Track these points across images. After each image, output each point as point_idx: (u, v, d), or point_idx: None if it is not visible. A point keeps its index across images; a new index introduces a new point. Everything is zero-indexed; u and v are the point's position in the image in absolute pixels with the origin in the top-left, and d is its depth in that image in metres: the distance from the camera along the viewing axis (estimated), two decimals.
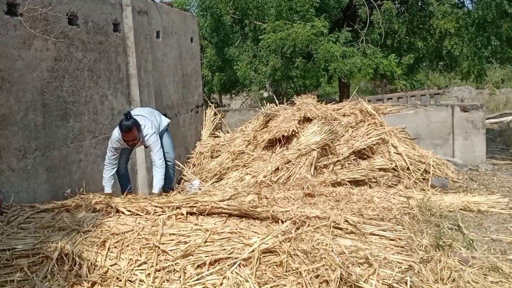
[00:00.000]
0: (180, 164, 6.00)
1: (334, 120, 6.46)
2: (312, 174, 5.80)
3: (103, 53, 5.13)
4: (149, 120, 4.84)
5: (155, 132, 4.76)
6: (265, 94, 14.74)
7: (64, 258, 2.86)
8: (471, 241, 4.19)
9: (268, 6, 9.80)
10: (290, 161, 5.95)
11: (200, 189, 5.87)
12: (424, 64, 11.84)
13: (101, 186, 4.85)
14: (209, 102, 8.52)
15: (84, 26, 4.79)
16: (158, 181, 4.66)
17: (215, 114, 8.18)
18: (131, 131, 4.52)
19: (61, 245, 2.90)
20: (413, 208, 4.82)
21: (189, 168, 6.56)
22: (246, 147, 6.34)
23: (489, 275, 3.49)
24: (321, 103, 7.30)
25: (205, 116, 8.09)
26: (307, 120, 6.49)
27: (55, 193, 4.18)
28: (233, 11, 10.73)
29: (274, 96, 8.05)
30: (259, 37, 9.85)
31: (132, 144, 4.69)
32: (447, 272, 3.23)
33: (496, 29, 8.98)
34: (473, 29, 9.40)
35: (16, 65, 3.82)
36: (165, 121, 5.25)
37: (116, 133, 4.63)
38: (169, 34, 6.96)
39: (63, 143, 4.40)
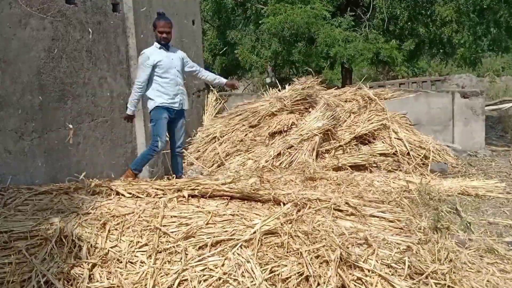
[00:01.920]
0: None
1: (336, 106, 6.43)
2: (314, 159, 5.79)
3: (102, 34, 5.06)
4: None
5: None
6: (268, 80, 14.66)
7: (63, 240, 2.84)
8: (468, 224, 4.23)
9: None
10: (292, 146, 5.94)
11: (202, 174, 5.86)
12: (425, 50, 11.77)
13: (100, 169, 4.83)
14: (211, 86, 8.45)
15: (82, 5, 4.71)
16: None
17: (217, 99, 8.12)
18: (170, 22, 4.99)
19: (60, 227, 2.89)
20: (412, 192, 4.83)
21: (190, 153, 6.53)
22: (245, 135, 6.32)
23: (485, 257, 3.52)
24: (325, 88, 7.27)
25: (207, 101, 8.04)
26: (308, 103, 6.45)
27: (53, 175, 4.15)
28: None
29: (277, 82, 7.99)
30: (260, 21, 9.77)
31: (167, 37, 4.93)
32: (444, 253, 3.24)
33: (493, 15, 8.91)
34: (474, 17, 9.33)
35: (11, 45, 3.75)
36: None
37: (148, 48, 5.01)
38: (170, 15, 6.84)
39: (61, 125, 4.35)
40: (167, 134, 5.02)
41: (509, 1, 9.31)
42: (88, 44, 4.82)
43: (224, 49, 11.52)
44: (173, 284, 2.56)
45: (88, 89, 4.83)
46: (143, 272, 2.61)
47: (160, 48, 4.97)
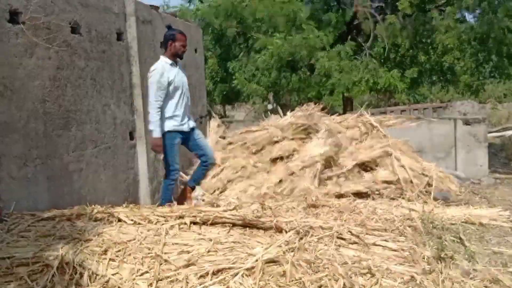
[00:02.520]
0: (184, 175, 5.98)
1: (338, 132, 6.46)
2: (316, 185, 5.78)
3: (106, 62, 5.14)
4: None
5: None
6: (270, 106, 14.79)
7: (65, 267, 2.82)
8: (472, 254, 4.17)
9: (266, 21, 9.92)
10: (294, 172, 5.94)
11: (203, 200, 5.85)
12: (426, 78, 11.91)
13: (102, 195, 4.83)
14: (213, 113, 8.52)
15: (87, 35, 4.80)
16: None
17: (218, 125, 8.16)
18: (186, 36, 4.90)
19: (62, 254, 2.87)
20: (415, 220, 4.79)
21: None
22: (246, 162, 6.33)
23: (490, 287, 3.45)
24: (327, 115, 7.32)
25: (209, 127, 8.09)
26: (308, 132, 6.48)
27: (56, 201, 4.15)
28: (235, 24, 10.83)
29: (279, 108, 8.06)
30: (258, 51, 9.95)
31: (184, 51, 4.85)
32: (449, 284, 3.20)
33: (497, 45, 9.05)
34: (476, 44, 9.47)
35: (17, 73, 3.81)
36: None
37: (157, 65, 4.80)
38: None
39: (64, 151, 4.38)
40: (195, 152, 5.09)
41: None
42: (93, 72, 4.89)
43: (225, 76, 11.70)
44: None
45: (92, 116, 4.87)
46: None
47: (171, 64, 4.82)
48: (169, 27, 5.01)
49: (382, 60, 10.35)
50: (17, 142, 3.78)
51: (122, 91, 5.48)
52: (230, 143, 6.97)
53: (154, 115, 4.69)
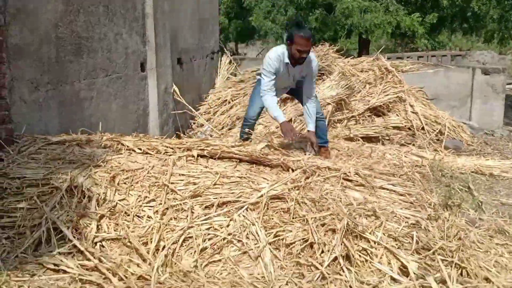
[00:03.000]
0: (193, 110, 5.95)
1: (351, 75, 6.32)
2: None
3: None
4: None
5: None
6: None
7: (74, 190, 2.87)
8: (480, 203, 4.17)
9: None
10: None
11: (211, 135, 5.86)
12: (448, 24, 11.46)
13: (112, 124, 4.84)
14: (225, 49, 8.36)
15: None
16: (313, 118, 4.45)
17: (230, 62, 8.03)
18: (310, 39, 4.13)
19: (71, 177, 2.92)
20: (424, 167, 4.78)
21: (202, 114, 6.51)
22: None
23: (495, 237, 3.46)
24: (341, 57, 7.16)
25: (220, 64, 7.96)
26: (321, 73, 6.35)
27: (66, 127, 4.16)
28: None
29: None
30: None
31: (301, 57, 4.16)
32: (454, 231, 3.21)
33: None
34: None
35: None
36: None
37: (277, 51, 4.29)
38: None
39: (75, 78, 4.35)
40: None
41: None
42: (105, 0, 4.75)
43: (239, 13, 11.38)
44: (178, 240, 2.59)
45: (104, 44, 4.78)
46: (150, 227, 2.65)
47: (287, 64, 4.33)
48: (297, 24, 4.25)
49: (402, 3, 9.93)
50: (29, 66, 3.74)
51: (134, 20, 5.34)
52: (241, 81, 6.88)
53: (268, 101, 4.29)
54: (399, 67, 6.62)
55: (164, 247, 2.54)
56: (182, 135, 4.69)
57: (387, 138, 5.82)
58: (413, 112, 6.02)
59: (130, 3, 5.23)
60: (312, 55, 4.28)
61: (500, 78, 7.25)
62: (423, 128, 5.99)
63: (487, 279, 2.81)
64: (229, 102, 6.45)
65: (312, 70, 4.36)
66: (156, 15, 5.66)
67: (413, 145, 5.76)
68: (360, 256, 2.69)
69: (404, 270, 2.66)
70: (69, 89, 4.27)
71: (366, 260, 2.65)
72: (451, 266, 2.76)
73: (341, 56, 7.10)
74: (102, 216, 2.72)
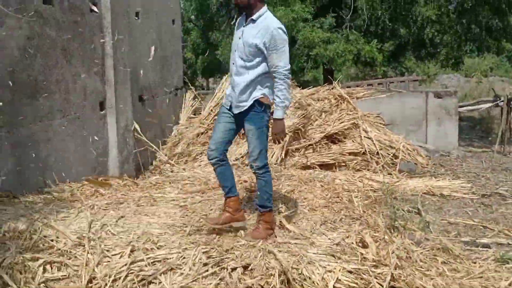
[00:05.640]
0: (154, 146, 6.07)
1: (308, 105, 6.54)
2: (283, 157, 5.91)
3: (78, 32, 5.13)
4: None
5: (285, 35, 3.35)
6: None
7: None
8: (427, 223, 4.30)
9: None
10: None
11: (172, 171, 5.95)
12: (408, 51, 11.95)
13: (70, 165, 4.91)
14: (189, 85, 8.54)
15: (59, 5, 4.79)
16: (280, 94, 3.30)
17: (194, 97, 8.20)
18: None
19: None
20: (375, 191, 4.94)
21: (163, 150, 6.63)
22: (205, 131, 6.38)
23: (439, 256, 3.58)
24: (299, 88, 7.40)
25: (184, 99, 8.12)
26: None
27: (21, 170, 4.23)
28: None
29: None
30: None
31: (235, 4, 3.43)
32: (398, 252, 3.32)
33: (475, 17, 9.09)
34: (454, 17, 9.50)
35: None
36: None
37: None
38: (149, 14, 6.96)
39: (31, 121, 4.44)
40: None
41: (490, 2, 9.49)
42: (64, 42, 4.90)
43: (206, 49, 11.67)
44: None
45: (61, 86, 4.90)
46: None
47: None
48: None
49: (362, 33, 10.36)
50: None
51: (93, 61, 5.49)
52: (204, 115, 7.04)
53: (286, 90, 3.32)
54: (353, 94, 6.88)
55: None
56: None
57: (343, 164, 6.00)
58: (367, 138, 6.24)
59: (88, 44, 5.38)
60: (274, 22, 3.33)
61: (452, 101, 7.58)
62: (378, 153, 6.19)
63: None
64: (192, 138, 6.58)
65: (270, 39, 3.27)
66: (116, 55, 5.81)
67: (368, 170, 5.95)
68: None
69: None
70: (24, 132, 4.35)
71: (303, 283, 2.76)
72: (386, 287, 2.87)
73: (299, 86, 7.35)
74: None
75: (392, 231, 3.92)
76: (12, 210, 3.37)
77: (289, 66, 3.29)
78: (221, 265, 2.85)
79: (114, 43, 5.75)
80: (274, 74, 3.29)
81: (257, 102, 3.36)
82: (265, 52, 3.27)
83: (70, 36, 4.98)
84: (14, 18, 4.13)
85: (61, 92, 4.90)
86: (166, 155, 6.34)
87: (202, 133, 6.57)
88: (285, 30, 3.34)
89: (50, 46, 4.69)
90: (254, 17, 3.33)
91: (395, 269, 3.02)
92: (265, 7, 3.38)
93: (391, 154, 6.23)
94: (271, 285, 2.72)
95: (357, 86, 8.84)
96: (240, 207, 3.57)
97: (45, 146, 4.65)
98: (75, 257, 2.81)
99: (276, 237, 3.36)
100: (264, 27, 3.28)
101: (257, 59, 3.32)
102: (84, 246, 2.89)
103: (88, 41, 5.34)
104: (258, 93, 3.35)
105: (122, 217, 3.47)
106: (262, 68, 3.34)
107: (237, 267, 2.83)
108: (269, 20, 3.32)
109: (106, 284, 2.57)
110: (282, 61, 3.25)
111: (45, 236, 2.95)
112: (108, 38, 5.71)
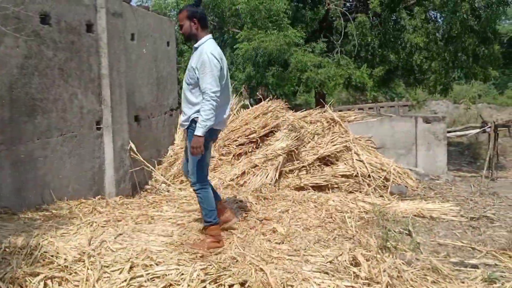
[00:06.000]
0: (150, 166, 6.14)
1: (300, 127, 6.68)
2: (277, 178, 6.00)
3: (74, 53, 5.25)
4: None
5: (215, 59, 3.57)
6: (246, 101, 15.02)
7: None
8: (417, 245, 4.39)
9: (245, 14, 10.05)
10: (257, 165, 6.15)
11: (168, 191, 6.02)
12: (397, 77, 12.24)
13: (66, 183, 4.95)
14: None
15: (56, 25, 4.91)
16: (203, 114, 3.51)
17: None
18: (181, 12, 3.76)
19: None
20: (368, 212, 5.04)
21: (159, 170, 6.69)
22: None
23: (429, 276, 3.67)
24: (291, 111, 7.55)
25: (179, 120, 8.21)
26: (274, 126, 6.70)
27: (19, 187, 4.28)
28: (212, 17, 10.95)
29: (250, 103, 8.27)
30: (234, 46, 10.11)
31: (182, 32, 3.77)
32: (390, 271, 3.40)
33: (461, 44, 9.38)
34: (442, 44, 9.80)
35: None
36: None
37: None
38: (144, 37, 7.11)
39: (29, 138, 4.51)
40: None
41: (476, 30, 9.79)
42: (61, 62, 5.00)
43: None
44: None
45: (58, 105, 4.99)
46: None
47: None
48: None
49: (352, 58, 10.62)
50: None
51: (90, 81, 5.59)
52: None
53: (210, 111, 3.51)
54: (345, 118, 7.04)
55: None
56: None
57: (335, 186, 6.11)
58: (359, 161, 6.37)
59: (85, 65, 5.49)
60: (207, 48, 3.60)
61: (441, 126, 7.76)
62: (369, 176, 6.31)
63: None
64: None
65: (202, 63, 3.57)
66: (112, 75, 5.92)
67: (360, 192, 6.06)
68: None
69: None
70: (22, 149, 4.42)
71: None
72: None
73: (290, 108, 7.50)
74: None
75: (384, 251, 4.00)
76: (11, 226, 3.41)
77: (216, 89, 3.52)
78: (218, 282, 2.91)
79: (110, 64, 5.86)
80: (203, 95, 3.53)
81: (193, 121, 3.65)
82: (198, 74, 3.58)
83: (67, 56, 5.10)
84: (12, 37, 4.24)
85: (58, 111, 4.98)
86: (162, 175, 6.39)
87: None
88: (217, 56, 3.60)
89: (47, 65, 4.80)
90: (196, 45, 3.72)
91: (387, 287, 3.10)
92: (207, 36, 3.71)
93: (382, 177, 6.36)
94: None
95: (349, 110, 9.01)
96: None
97: (43, 164, 4.71)
98: (75, 272, 2.85)
99: (222, 249, 3.56)
100: (199, 53, 3.62)
101: (196, 82, 3.62)
102: (84, 262, 2.93)
103: (84, 62, 5.45)
104: (195, 114, 3.64)
105: (120, 234, 3.52)
106: (200, 91, 3.60)
107: (234, 284, 2.89)
108: (205, 46, 3.62)
109: None
110: (209, 84, 3.50)
111: (45, 252, 2.98)
112: (104, 58, 5.83)
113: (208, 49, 3.58)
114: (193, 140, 3.54)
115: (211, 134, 3.69)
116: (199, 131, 3.51)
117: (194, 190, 3.73)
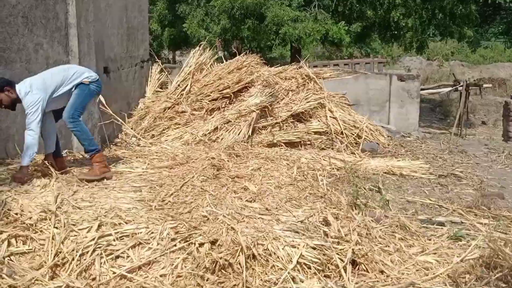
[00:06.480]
0: (119, 119, 5.98)
1: (275, 83, 6.58)
2: (250, 134, 5.96)
3: (40, 0, 4.96)
4: (36, 79, 4.14)
5: (31, 92, 3.97)
6: (220, 54, 14.72)
7: None
8: (387, 202, 4.47)
9: None
10: (230, 121, 6.08)
11: (139, 145, 5.91)
12: (374, 32, 12.12)
13: None
14: (156, 57, 8.40)
15: None
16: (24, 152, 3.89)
17: (161, 70, 8.08)
18: None
19: None
20: (339, 169, 5.07)
21: (129, 124, 6.54)
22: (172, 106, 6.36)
23: (397, 233, 3.74)
24: (266, 66, 7.41)
25: (150, 72, 8.00)
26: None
27: None
28: None
29: (225, 56, 8.07)
30: None
31: (4, 107, 4.01)
32: (359, 229, 3.45)
33: (439, 2, 9.29)
34: (420, 1, 9.68)
35: None
36: (83, 75, 4.37)
37: None
38: None
39: None
40: None
41: None
42: (25, 10, 4.72)
43: (173, 21, 11.45)
44: None
45: (22, 55, 4.75)
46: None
47: None
48: None
49: (330, 13, 10.42)
50: None
51: (56, 30, 5.32)
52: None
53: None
54: (320, 74, 6.96)
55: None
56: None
57: (308, 143, 6.12)
58: (332, 117, 6.36)
59: (51, 13, 5.20)
60: (19, 90, 3.98)
61: (415, 84, 7.80)
62: (342, 133, 6.33)
63: (382, 272, 3.09)
64: (159, 112, 6.51)
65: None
66: (80, 25, 5.65)
67: (332, 149, 6.08)
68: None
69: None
70: None
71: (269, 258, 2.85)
72: (347, 262, 2.99)
73: (266, 64, 7.36)
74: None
75: (354, 208, 4.06)
76: None
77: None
78: (188, 240, 2.89)
79: (78, 13, 5.58)
80: None
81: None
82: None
83: (31, 3, 4.80)
84: None
85: (22, 61, 4.74)
86: (132, 128, 6.26)
87: (169, 108, 6.51)
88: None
89: (10, 13, 4.52)
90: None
91: (356, 245, 3.15)
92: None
93: (355, 134, 6.38)
94: (237, 260, 2.79)
95: (324, 66, 8.94)
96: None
97: (6, 117, 4.52)
98: (41, 231, 2.78)
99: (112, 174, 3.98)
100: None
101: None
102: (50, 220, 2.86)
103: (51, 10, 5.17)
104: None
105: (88, 191, 3.43)
106: None
107: (204, 243, 2.88)
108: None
109: (73, 259, 2.57)
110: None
111: (9, 210, 2.89)
112: (72, 7, 5.54)
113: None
114: None
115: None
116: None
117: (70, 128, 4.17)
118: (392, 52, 22.12)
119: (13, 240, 2.72)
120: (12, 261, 2.62)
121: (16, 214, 2.90)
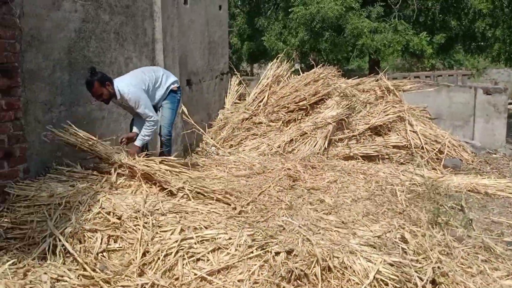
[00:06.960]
0: (200, 129, 6.24)
1: (352, 96, 6.53)
2: (326, 147, 5.95)
3: (130, 17, 5.33)
4: (130, 77, 4.75)
5: (133, 89, 4.58)
6: (297, 66, 14.83)
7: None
8: (470, 221, 4.26)
9: None
10: (306, 133, 6.11)
11: (217, 154, 6.13)
12: (457, 44, 11.64)
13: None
14: (235, 70, 8.66)
15: None
16: (141, 135, 4.64)
17: (239, 83, 8.32)
18: (93, 86, 4.39)
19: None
20: (420, 185, 4.91)
21: (209, 133, 6.79)
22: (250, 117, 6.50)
23: (480, 254, 3.56)
24: (344, 78, 7.38)
25: (230, 85, 8.26)
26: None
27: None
28: None
29: (302, 68, 8.14)
30: (289, 10, 9.90)
31: (102, 100, 4.54)
32: (439, 248, 3.33)
33: None
34: (508, 11, 9.17)
35: (45, 25, 4.06)
36: (170, 79, 4.97)
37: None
38: (197, 1, 7.09)
39: (87, 100, 4.67)
40: None
41: None
42: (116, 26, 5.10)
43: (252, 35, 11.72)
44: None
45: (114, 68, 5.12)
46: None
47: None
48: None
49: (411, 24, 10.15)
50: (43, 90, 4.09)
51: (144, 45, 5.68)
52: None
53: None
54: (400, 86, 6.80)
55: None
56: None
57: (386, 157, 5.99)
58: (412, 131, 6.18)
59: (140, 29, 5.57)
60: (123, 90, 4.54)
61: (502, 98, 7.37)
62: (422, 147, 6.13)
63: None
64: (237, 123, 6.71)
65: (131, 103, 4.60)
66: (166, 40, 5.99)
67: (412, 164, 5.90)
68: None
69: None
70: (81, 110, 4.59)
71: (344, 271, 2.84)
72: (427, 281, 2.90)
73: (343, 76, 7.32)
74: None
75: (434, 226, 3.92)
76: (72, 182, 3.58)
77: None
78: (265, 248, 2.95)
79: (164, 28, 5.92)
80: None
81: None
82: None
83: (122, 20, 5.18)
84: (70, 2, 4.34)
85: (114, 74, 5.10)
86: (212, 138, 6.49)
87: (246, 119, 6.68)
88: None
89: (104, 29, 4.90)
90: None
91: (436, 264, 3.04)
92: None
93: (436, 149, 6.15)
94: (313, 272, 2.81)
95: (404, 78, 8.70)
96: None
97: (100, 124, 4.89)
98: (129, 231, 2.98)
99: None
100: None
101: None
102: (140, 219, 3.05)
103: (139, 26, 5.53)
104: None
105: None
106: None
107: (280, 252, 2.93)
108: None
109: (159, 258, 2.73)
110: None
111: (102, 208, 3.12)
112: (158, 23, 5.89)
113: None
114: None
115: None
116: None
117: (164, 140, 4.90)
118: (477, 64, 21.01)
119: (105, 238, 2.93)
120: (104, 257, 2.83)
121: (109, 213, 3.13)
